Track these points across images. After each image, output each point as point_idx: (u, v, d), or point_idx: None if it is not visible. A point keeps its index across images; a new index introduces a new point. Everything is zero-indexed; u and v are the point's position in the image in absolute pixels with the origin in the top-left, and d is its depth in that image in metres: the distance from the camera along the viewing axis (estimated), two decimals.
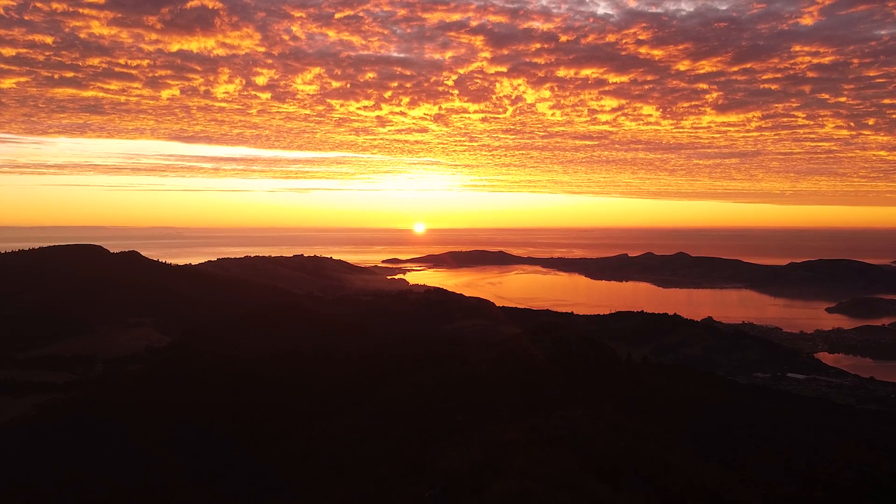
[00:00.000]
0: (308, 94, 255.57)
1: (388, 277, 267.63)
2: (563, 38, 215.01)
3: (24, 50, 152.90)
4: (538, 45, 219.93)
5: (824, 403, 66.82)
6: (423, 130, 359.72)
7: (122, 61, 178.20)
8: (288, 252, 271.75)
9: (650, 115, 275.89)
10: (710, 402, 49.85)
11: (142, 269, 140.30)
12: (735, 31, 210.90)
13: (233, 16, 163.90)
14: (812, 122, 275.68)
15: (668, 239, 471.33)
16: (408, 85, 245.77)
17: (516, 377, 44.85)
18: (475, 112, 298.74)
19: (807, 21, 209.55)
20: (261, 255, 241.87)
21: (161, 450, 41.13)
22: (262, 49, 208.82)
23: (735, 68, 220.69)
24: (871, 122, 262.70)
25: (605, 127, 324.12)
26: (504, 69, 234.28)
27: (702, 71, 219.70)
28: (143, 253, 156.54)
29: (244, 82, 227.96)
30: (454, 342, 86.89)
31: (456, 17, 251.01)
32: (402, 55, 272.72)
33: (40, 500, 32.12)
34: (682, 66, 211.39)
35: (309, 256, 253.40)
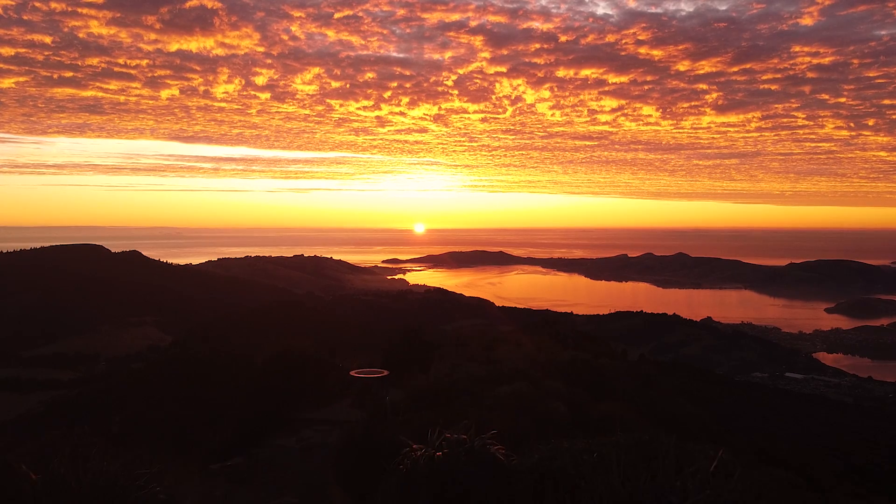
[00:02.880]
0: (307, 95, 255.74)
1: (388, 277, 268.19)
2: (563, 39, 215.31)
3: (23, 50, 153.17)
4: (538, 46, 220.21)
5: (819, 400, 67.51)
6: (423, 131, 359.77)
7: (121, 61, 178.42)
8: (288, 252, 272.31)
9: (650, 116, 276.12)
10: (702, 395, 50.39)
11: (143, 268, 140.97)
12: (735, 31, 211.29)
13: (232, 15, 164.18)
14: (812, 123, 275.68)
15: (668, 239, 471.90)
16: (407, 85, 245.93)
17: None
18: (475, 112, 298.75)
19: (807, 21, 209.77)
20: (261, 255, 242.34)
21: (167, 443, 41.68)
22: (261, 49, 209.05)
23: (735, 69, 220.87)
24: (871, 122, 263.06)
25: (605, 127, 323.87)
26: (503, 69, 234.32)
27: (701, 71, 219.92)
28: (143, 253, 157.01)
29: (243, 82, 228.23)
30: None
31: (455, 17, 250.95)
32: (401, 55, 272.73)
33: None
34: (682, 66, 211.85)
35: (309, 256, 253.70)
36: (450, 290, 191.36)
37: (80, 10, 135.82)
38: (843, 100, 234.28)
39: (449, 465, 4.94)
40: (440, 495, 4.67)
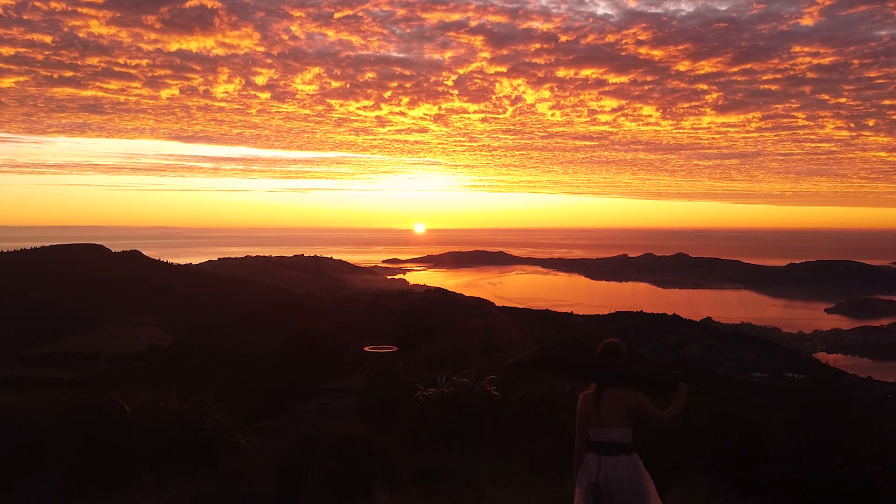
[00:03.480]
0: (308, 94, 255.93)
1: (389, 277, 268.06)
2: (563, 39, 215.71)
3: (23, 49, 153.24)
4: (538, 46, 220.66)
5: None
6: (423, 130, 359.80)
7: (121, 61, 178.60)
8: (288, 252, 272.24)
9: (650, 116, 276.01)
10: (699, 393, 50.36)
11: (143, 268, 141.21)
12: (735, 31, 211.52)
13: (232, 15, 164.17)
14: (812, 123, 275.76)
15: (668, 240, 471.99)
16: (407, 85, 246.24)
17: None
18: (475, 112, 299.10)
19: (807, 21, 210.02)
20: (261, 254, 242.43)
21: None
22: (261, 49, 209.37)
23: (735, 69, 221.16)
24: (871, 123, 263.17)
25: (605, 127, 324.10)
26: (504, 69, 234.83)
27: (702, 71, 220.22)
28: (144, 252, 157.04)
29: (244, 82, 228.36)
30: None
31: (455, 16, 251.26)
32: (401, 55, 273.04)
33: None
34: (682, 66, 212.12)
35: (309, 256, 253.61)
36: (450, 290, 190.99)
37: (80, 9, 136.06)
38: (843, 100, 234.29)
39: (455, 399, 6.27)
40: (447, 419, 5.94)
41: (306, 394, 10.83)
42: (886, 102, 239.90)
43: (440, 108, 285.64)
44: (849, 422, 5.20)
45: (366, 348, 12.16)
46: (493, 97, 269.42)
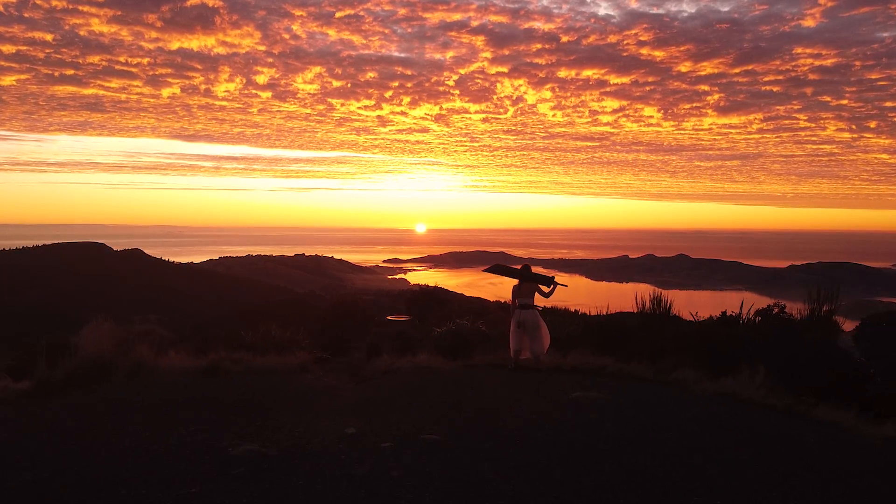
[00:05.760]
0: (309, 94, 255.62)
1: (389, 277, 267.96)
2: (565, 39, 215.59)
3: (24, 47, 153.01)
4: (539, 46, 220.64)
5: None
6: (424, 130, 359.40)
7: (122, 59, 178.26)
8: (289, 251, 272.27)
9: (651, 117, 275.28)
10: None
11: (145, 267, 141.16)
12: (737, 32, 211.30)
13: (233, 14, 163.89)
14: (814, 125, 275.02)
15: (669, 241, 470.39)
16: (409, 85, 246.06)
17: None
18: (476, 112, 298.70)
19: (809, 23, 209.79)
20: (262, 253, 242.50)
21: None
22: (262, 48, 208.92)
23: (736, 70, 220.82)
24: (872, 124, 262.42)
25: (607, 128, 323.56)
26: (505, 69, 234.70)
27: (703, 72, 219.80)
28: (145, 251, 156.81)
29: (245, 81, 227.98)
30: None
31: (457, 16, 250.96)
32: (402, 55, 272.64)
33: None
34: (684, 67, 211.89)
35: (310, 256, 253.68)
36: (451, 289, 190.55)
37: (81, 7, 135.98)
38: (844, 102, 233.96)
39: (458, 331, 10.30)
40: (454, 342, 9.90)
41: (343, 350, 13.35)
42: (888, 104, 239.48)
43: (441, 108, 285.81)
44: (669, 332, 10.37)
45: (388, 317, 15.60)
46: (495, 97, 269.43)
